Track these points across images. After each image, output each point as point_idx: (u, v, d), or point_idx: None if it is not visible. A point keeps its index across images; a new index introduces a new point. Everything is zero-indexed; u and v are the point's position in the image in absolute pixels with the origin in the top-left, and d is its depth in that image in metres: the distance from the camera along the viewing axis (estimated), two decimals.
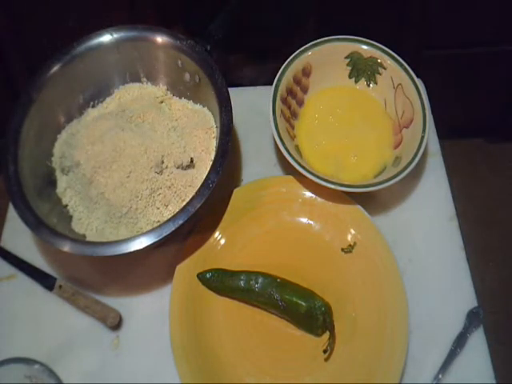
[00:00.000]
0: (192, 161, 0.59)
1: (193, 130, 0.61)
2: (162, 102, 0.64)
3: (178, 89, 0.65)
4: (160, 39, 0.61)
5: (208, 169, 0.54)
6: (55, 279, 0.57)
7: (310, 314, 0.52)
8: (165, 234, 0.50)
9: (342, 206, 0.58)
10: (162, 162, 0.58)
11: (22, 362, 0.43)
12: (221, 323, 0.55)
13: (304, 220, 0.60)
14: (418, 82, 0.62)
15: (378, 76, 0.65)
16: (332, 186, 0.55)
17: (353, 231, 0.58)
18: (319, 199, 0.59)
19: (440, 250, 0.59)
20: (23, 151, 0.56)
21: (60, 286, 0.56)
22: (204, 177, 0.53)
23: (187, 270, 0.56)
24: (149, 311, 0.56)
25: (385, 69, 0.64)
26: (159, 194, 0.57)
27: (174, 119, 0.62)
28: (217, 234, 0.58)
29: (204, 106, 0.63)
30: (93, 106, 0.64)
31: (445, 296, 0.56)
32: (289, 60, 0.63)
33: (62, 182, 0.59)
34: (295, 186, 0.60)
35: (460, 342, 0.53)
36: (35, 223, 0.51)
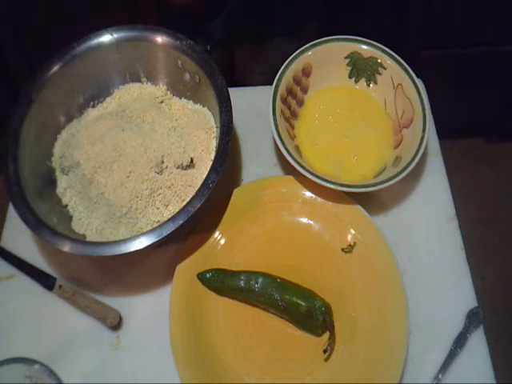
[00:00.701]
0: (192, 161, 0.59)
1: (193, 130, 0.60)
2: (162, 102, 0.64)
3: (178, 89, 0.65)
4: (160, 39, 0.61)
5: (208, 169, 0.54)
6: (55, 279, 0.57)
7: (310, 314, 0.52)
8: (165, 234, 0.50)
9: (342, 205, 0.58)
10: (162, 162, 0.58)
11: (22, 362, 0.43)
12: (221, 323, 0.55)
13: (304, 220, 0.60)
14: (418, 82, 0.62)
15: (377, 76, 0.65)
16: (332, 186, 0.55)
17: (353, 231, 0.58)
18: (319, 199, 0.59)
19: (440, 250, 0.59)
20: (23, 151, 0.56)
21: (60, 286, 0.56)
22: (204, 177, 0.53)
23: (187, 269, 0.56)
24: (149, 311, 0.56)
25: (385, 69, 0.64)
26: (159, 193, 0.57)
27: (174, 119, 0.62)
28: (217, 234, 0.58)
29: (204, 106, 0.63)
30: (93, 106, 0.64)
31: (445, 296, 0.56)
32: (289, 60, 0.63)
33: (61, 182, 0.59)
34: (295, 186, 0.60)
35: (460, 341, 0.53)
36: (35, 223, 0.51)
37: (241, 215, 0.59)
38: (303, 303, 0.52)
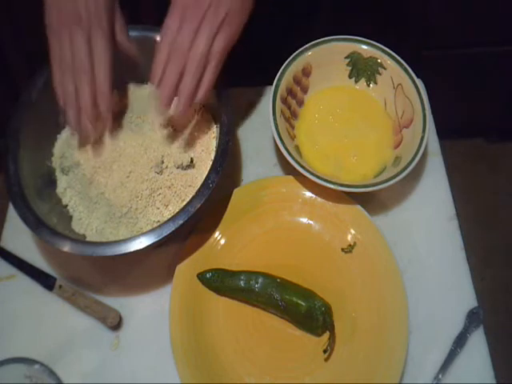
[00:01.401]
0: (192, 161, 0.59)
1: (193, 130, 0.60)
2: None
3: None
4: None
5: (208, 169, 0.54)
6: (55, 279, 0.57)
7: (310, 314, 0.52)
8: (165, 234, 0.50)
9: (342, 205, 0.58)
10: (162, 162, 0.58)
11: (22, 362, 0.43)
12: (221, 323, 0.55)
13: (304, 220, 0.60)
14: (418, 82, 0.62)
15: (377, 76, 0.65)
16: (332, 186, 0.55)
17: (353, 231, 0.58)
18: (319, 199, 0.59)
19: (440, 250, 0.59)
20: (23, 151, 0.56)
21: (60, 286, 0.56)
22: (204, 177, 0.53)
23: (187, 269, 0.56)
24: (149, 311, 0.56)
25: (385, 69, 0.64)
26: (159, 193, 0.57)
27: (173, 119, 0.62)
28: (217, 234, 0.58)
29: (204, 106, 0.63)
30: None
31: (445, 296, 0.56)
32: (289, 60, 0.63)
33: (61, 181, 0.59)
34: (295, 186, 0.60)
35: (460, 342, 0.53)
36: (35, 223, 0.51)
37: (241, 215, 0.59)
38: (303, 303, 0.52)
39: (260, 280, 0.54)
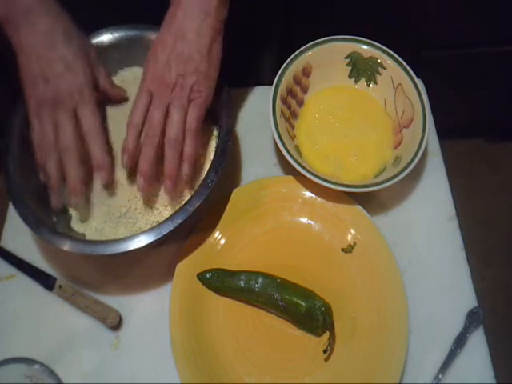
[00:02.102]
0: None
1: None
2: None
3: None
4: None
5: (207, 168, 0.54)
6: (55, 279, 0.57)
7: (310, 314, 0.52)
8: (164, 233, 0.50)
9: (342, 205, 0.58)
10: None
11: (22, 362, 0.43)
12: (221, 323, 0.55)
13: (304, 220, 0.60)
14: (418, 82, 0.62)
15: (378, 76, 0.65)
16: (332, 186, 0.55)
17: (353, 231, 0.58)
18: (319, 199, 0.59)
19: (440, 250, 0.59)
20: (23, 151, 0.56)
21: (60, 286, 0.56)
22: (203, 176, 0.53)
23: (187, 269, 0.56)
24: (149, 311, 0.56)
25: (385, 69, 0.64)
26: (158, 194, 0.57)
27: None
28: (217, 234, 0.58)
29: None
30: None
31: (445, 296, 0.56)
32: (289, 60, 0.63)
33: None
34: (295, 186, 0.60)
35: (460, 341, 0.53)
36: (35, 222, 0.51)
37: (241, 215, 0.59)
38: (303, 303, 0.52)
39: (260, 280, 0.54)
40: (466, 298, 0.56)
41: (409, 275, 0.56)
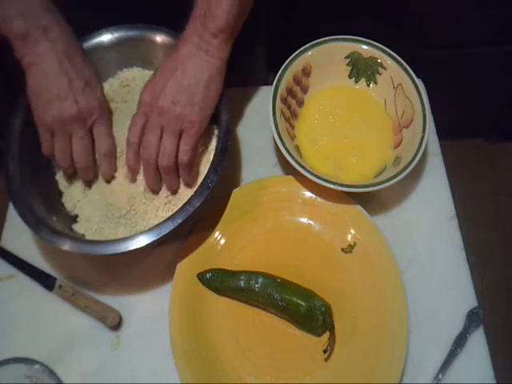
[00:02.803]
0: None
1: None
2: None
3: None
4: (160, 39, 0.61)
5: (207, 168, 0.54)
6: (55, 279, 0.57)
7: (310, 314, 0.52)
8: (164, 233, 0.50)
9: (342, 205, 0.58)
10: None
11: (22, 362, 0.43)
12: (221, 323, 0.55)
13: (304, 220, 0.60)
14: (418, 82, 0.62)
15: (378, 76, 0.65)
16: (332, 186, 0.55)
17: (353, 231, 0.58)
18: (319, 199, 0.59)
19: (440, 250, 0.59)
20: (23, 151, 0.56)
21: (60, 286, 0.56)
22: (203, 176, 0.53)
23: (187, 269, 0.56)
24: (149, 311, 0.56)
25: (385, 69, 0.64)
26: (158, 195, 0.57)
27: None
28: (217, 234, 0.58)
29: None
30: None
31: (445, 296, 0.56)
32: (289, 60, 0.63)
33: (61, 181, 0.59)
34: (295, 186, 0.60)
35: (460, 342, 0.53)
36: (35, 223, 0.51)
37: (241, 215, 0.59)
38: (303, 303, 0.52)
39: (260, 280, 0.54)
40: (466, 297, 0.56)
41: (409, 275, 0.56)
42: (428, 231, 0.60)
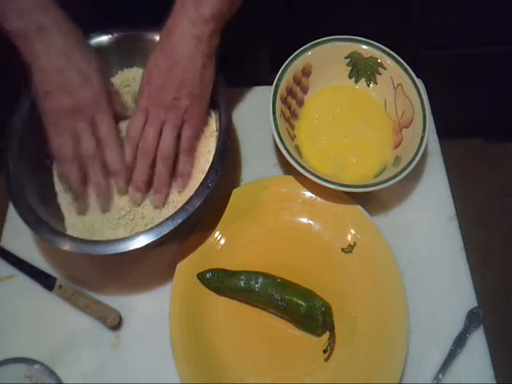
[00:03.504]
0: None
1: None
2: None
3: None
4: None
5: (207, 169, 0.54)
6: (55, 279, 0.57)
7: (310, 314, 0.52)
8: (164, 233, 0.50)
9: (342, 205, 0.58)
10: None
11: (22, 362, 0.43)
12: (221, 323, 0.55)
13: (304, 220, 0.60)
14: (418, 82, 0.62)
15: (378, 76, 0.65)
16: (332, 186, 0.55)
17: (353, 231, 0.58)
18: (319, 199, 0.59)
19: (440, 250, 0.59)
20: (23, 151, 0.56)
21: (60, 286, 0.56)
22: (203, 177, 0.53)
23: (187, 269, 0.56)
24: (149, 311, 0.56)
25: (385, 69, 0.64)
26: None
27: None
28: (217, 234, 0.58)
29: None
30: None
31: (445, 296, 0.56)
32: (289, 60, 0.63)
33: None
34: (295, 186, 0.60)
35: (460, 342, 0.53)
36: (35, 222, 0.51)
37: (241, 215, 0.59)
38: (303, 303, 0.52)
39: (260, 280, 0.54)
40: (466, 297, 0.56)
41: (409, 275, 0.56)
42: (428, 231, 0.60)
